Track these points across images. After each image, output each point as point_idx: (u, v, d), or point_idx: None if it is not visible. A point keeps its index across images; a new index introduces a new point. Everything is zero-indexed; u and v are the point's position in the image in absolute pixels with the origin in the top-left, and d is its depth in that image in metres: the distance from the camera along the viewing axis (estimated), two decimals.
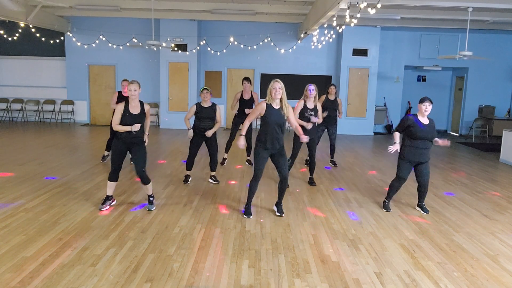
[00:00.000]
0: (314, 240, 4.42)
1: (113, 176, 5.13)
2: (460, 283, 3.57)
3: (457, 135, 14.14)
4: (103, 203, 5.22)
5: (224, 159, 8.07)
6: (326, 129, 8.01)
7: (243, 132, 5.03)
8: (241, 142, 4.97)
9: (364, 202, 5.88)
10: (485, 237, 4.69)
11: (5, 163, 7.58)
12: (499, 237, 4.71)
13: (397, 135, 5.36)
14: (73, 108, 13.90)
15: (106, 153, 7.88)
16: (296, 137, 6.42)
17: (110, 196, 5.27)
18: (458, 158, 9.65)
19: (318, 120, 6.43)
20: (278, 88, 4.81)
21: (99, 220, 4.81)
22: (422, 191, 5.48)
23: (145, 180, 5.16)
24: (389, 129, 13.97)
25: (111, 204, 5.30)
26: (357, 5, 6.35)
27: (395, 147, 5.28)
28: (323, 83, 13.23)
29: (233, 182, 6.81)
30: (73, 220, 4.77)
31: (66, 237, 4.28)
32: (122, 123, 4.97)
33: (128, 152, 5.19)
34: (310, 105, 6.36)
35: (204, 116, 6.27)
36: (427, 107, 5.15)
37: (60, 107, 13.88)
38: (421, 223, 5.06)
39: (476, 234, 4.77)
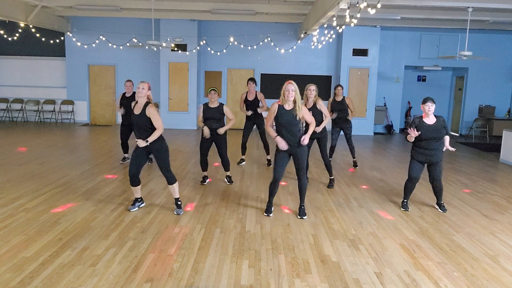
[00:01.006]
0: (314, 240, 4.42)
1: (133, 181, 5.10)
2: (460, 283, 3.57)
3: (457, 135, 14.15)
4: (133, 204, 5.25)
5: (242, 159, 8.13)
6: (341, 130, 7.97)
7: (274, 134, 4.95)
8: (281, 143, 4.88)
9: (364, 202, 5.88)
10: (485, 237, 4.69)
11: (5, 163, 7.58)
12: (499, 237, 4.71)
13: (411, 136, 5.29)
14: (73, 108, 13.90)
15: (126, 155, 7.89)
16: None
17: (138, 198, 5.29)
18: (458, 158, 9.65)
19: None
20: (291, 90, 4.80)
21: (99, 220, 4.82)
22: (436, 191, 5.55)
23: (170, 180, 5.12)
24: (389, 129, 13.97)
25: (140, 206, 5.32)
26: (357, 5, 6.35)
27: (412, 133, 5.16)
28: (323, 83, 13.25)
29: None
30: (73, 220, 4.77)
31: (66, 237, 4.28)
32: (128, 120, 5.01)
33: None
34: (308, 104, 6.32)
35: (211, 117, 6.24)
36: (430, 107, 5.18)
37: (60, 107, 13.88)
38: (421, 223, 5.06)
39: (476, 234, 4.77)
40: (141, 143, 4.85)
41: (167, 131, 12.58)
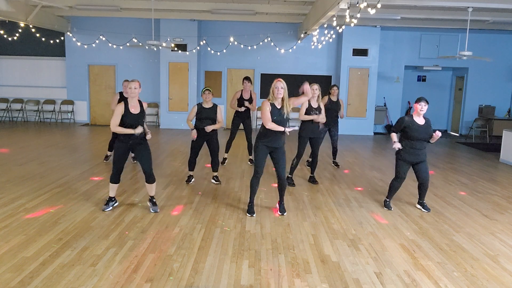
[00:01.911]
0: (314, 240, 4.42)
1: (115, 178, 5.11)
2: (460, 283, 3.57)
3: (457, 135, 14.14)
4: (106, 203, 5.21)
5: (225, 159, 8.07)
6: (328, 130, 7.97)
7: (282, 128, 4.85)
8: (289, 129, 4.86)
9: (364, 202, 5.88)
10: (485, 237, 4.69)
11: (5, 163, 7.58)
12: (499, 237, 4.71)
13: (394, 136, 5.43)
14: (73, 108, 13.90)
15: (108, 153, 7.85)
16: (301, 136, 6.50)
17: (113, 197, 5.26)
18: (458, 158, 9.65)
19: (322, 120, 6.45)
20: (280, 88, 4.82)
21: (99, 220, 4.81)
22: (422, 189, 5.54)
23: (151, 179, 5.14)
24: (389, 129, 13.96)
25: (114, 205, 5.28)
26: (357, 5, 6.35)
27: (397, 145, 5.34)
28: (323, 83, 13.23)
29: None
30: (73, 220, 4.77)
31: (66, 237, 4.28)
32: (125, 124, 4.90)
33: (131, 151, 5.21)
34: (314, 104, 6.41)
35: (205, 117, 6.26)
36: (422, 107, 5.19)
37: (60, 107, 13.88)
38: (421, 223, 5.06)
39: (476, 234, 4.77)
40: (139, 129, 4.90)
41: (167, 131, 12.60)
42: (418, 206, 5.63)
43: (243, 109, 7.77)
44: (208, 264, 3.78)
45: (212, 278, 3.53)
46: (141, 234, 4.45)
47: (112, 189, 5.20)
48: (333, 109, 7.82)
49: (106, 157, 7.93)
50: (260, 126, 5.08)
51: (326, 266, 3.82)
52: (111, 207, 5.21)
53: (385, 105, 13.94)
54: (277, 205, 5.33)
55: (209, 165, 6.78)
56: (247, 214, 5.14)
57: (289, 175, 6.64)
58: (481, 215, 5.46)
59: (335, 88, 7.87)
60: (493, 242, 4.54)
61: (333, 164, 8.27)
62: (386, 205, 5.61)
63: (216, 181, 6.64)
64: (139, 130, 4.90)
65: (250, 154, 8.18)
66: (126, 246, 4.10)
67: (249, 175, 7.25)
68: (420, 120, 5.25)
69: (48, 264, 3.67)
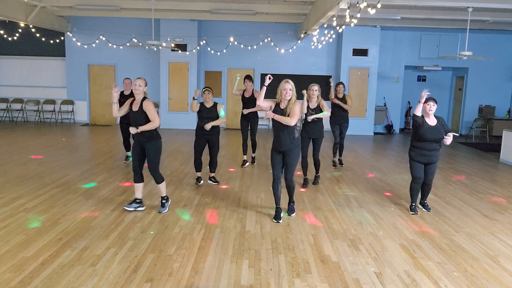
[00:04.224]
0: (314, 240, 4.42)
1: (136, 178, 5.12)
2: (460, 283, 3.57)
3: (457, 135, 14.10)
4: (130, 203, 5.20)
5: (244, 161, 8.05)
6: (339, 127, 8.05)
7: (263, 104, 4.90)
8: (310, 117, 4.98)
9: (364, 202, 5.88)
10: (485, 237, 4.69)
11: (5, 163, 7.58)
12: (499, 237, 4.71)
13: (419, 105, 5.23)
14: (73, 108, 13.90)
15: (129, 153, 7.91)
16: (303, 137, 6.49)
17: (138, 199, 5.19)
18: (458, 158, 9.64)
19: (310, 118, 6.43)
20: (288, 90, 4.78)
21: (99, 220, 4.81)
22: (425, 190, 5.53)
23: (158, 179, 5.14)
24: (389, 129, 13.96)
25: (137, 208, 5.16)
26: (357, 5, 6.35)
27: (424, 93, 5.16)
28: (323, 83, 13.24)
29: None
30: (73, 220, 4.77)
31: (66, 237, 4.28)
32: (128, 119, 5.06)
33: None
34: (312, 105, 6.37)
35: (206, 116, 6.26)
36: (431, 107, 5.16)
37: (60, 107, 13.88)
38: (421, 223, 5.06)
39: (476, 234, 4.77)
40: (133, 130, 4.89)
41: (167, 131, 12.59)
42: (419, 206, 5.62)
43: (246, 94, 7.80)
44: (208, 264, 3.78)
45: (212, 278, 3.53)
46: (141, 234, 4.45)
47: (135, 190, 5.18)
48: (340, 106, 7.87)
49: (126, 158, 7.99)
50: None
51: (326, 266, 3.82)
52: (133, 208, 5.15)
53: (385, 105, 13.93)
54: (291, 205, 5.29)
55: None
56: (273, 220, 4.97)
57: (316, 174, 6.90)
58: (481, 215, 5.46)
59: (340, 85, 7.94)
60: (493, 242, 4.54)
61: (338, 162, 8.28)
62: (412, 209, 5.47)
63: (213, 182, 6.63)
64: (132, 130, 4.91)
65: (253, 151, 8.21)
66: (126, 246, 4.10)
67: (249, 175, 7.26)
68: (431, 121, 5.21)
69: (48, 264, 3.67)
